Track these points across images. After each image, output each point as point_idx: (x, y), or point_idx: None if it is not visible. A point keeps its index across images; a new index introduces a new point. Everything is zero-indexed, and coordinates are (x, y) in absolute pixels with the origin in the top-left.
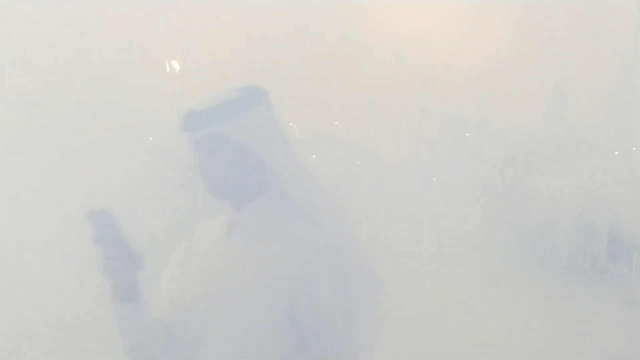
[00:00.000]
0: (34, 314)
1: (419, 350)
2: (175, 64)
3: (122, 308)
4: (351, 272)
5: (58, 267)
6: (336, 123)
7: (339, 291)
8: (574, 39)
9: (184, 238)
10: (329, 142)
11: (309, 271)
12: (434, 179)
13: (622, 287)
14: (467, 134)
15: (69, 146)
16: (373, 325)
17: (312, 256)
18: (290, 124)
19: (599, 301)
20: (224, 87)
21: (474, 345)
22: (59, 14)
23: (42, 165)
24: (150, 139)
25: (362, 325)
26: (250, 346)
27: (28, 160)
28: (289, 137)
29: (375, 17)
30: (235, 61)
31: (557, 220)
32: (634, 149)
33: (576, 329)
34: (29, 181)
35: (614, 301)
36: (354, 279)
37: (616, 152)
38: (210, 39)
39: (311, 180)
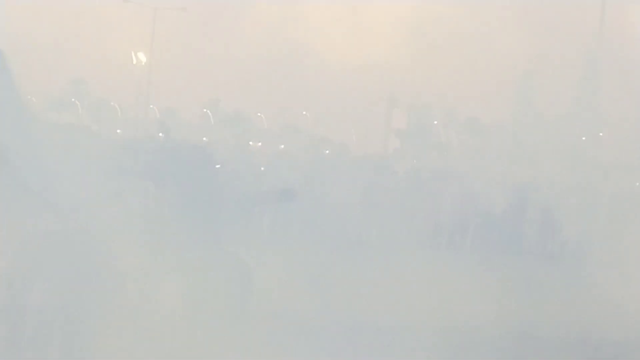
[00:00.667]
0: None
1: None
2: (142, 57)
3: None
4: None
5: None
6: (304, 113)
7: None
8: (541, 25)
9: None
10: (297, 132)
11: None
12: (403, 168)
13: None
14: (435, 122)
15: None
16: None
17: None
18: (259, 114)
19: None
20: (191, 80)
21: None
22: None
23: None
24: (118, 131)
25: None
26: None
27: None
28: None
29: (342, 7)
30: (202, 53)
31: (525, 207)
32: (600, 134)
33: None
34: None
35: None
36: None
37: (583, 138)
38: (177, 32)
39: None
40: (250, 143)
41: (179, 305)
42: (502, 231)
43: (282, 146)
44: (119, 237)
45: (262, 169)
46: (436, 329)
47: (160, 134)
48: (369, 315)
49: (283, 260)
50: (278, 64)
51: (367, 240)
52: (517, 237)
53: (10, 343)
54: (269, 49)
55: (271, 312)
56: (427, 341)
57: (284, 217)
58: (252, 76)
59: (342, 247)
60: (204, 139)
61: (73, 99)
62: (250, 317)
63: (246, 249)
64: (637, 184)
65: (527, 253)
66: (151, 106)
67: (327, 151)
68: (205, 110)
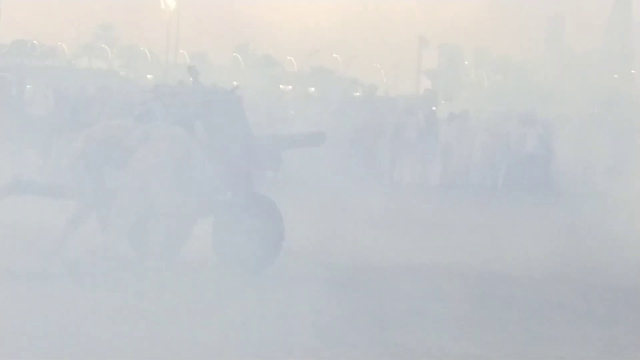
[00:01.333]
0: None
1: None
2: (171, 2)
3: None
4: None
5: None
6: (335, 55)
7: None
8: None
9: None
10: (328, 74)
11: None
12: (433, 107)
13: None
14: (466, 62)
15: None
16: None
17: None
18: (289, 57)
19: None
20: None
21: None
22: None
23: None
24: (149, 76)
25: None
26: None
27: None
28: None
29: None
30: None
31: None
32: (633, 71)
33: None
34: None
35: None
36: None
37: (616, 76)
38: None
39: None
40: (281, 86)
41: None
42: (532, 170)
43: (313, 89)
44: (151, 180)
45: (292, 112)
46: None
47: (190, 79)
48: (403, 255)
49: (312, 201)
50: (307, 6)
51: (397, 181)
52: (547, 175)
53: None
54: None
55: (302, 252)
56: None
57: (312, 160)
58: (282, 19)
59: (371, 188)
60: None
61: (103, 45)
62: (281, 259)
63: (276, 192)
64: None
65: (557, 192)
66: (181, 51)
67: (357, 93)
68: (235, 54)
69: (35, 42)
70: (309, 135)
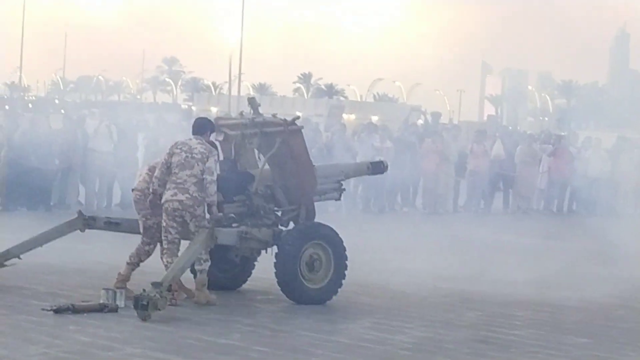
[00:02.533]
0: None
1: None
2: (233, 34)
3: None
4: None
5: None
6: (397, 84)
7: None
8: None
9: None
10: (391, 102)
11: None
12: (497, 133)
13: None
14: (530, 87)
15: None
16: None
17: None
18: (351, 86)
19: None
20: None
21: None
22: None
23: None
24: (213, 109)
25: None
26: None
27: None
28: None
29: None
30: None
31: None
32: None
33: None
34: None
35: None
36: None
37: None
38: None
39: None
40: (344, 115)
41: None
42: (597, 193)
43: (376, 117)
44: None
45: (356, 138)
46: None
47: (250, 110)
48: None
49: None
50: (369, 35)
51: (461, 209)
52: (611, 201)
53: None
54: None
55: (366, 282)
56: None
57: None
58: (344, 49)
59: (434, 219)
60: (297, 113)
61: (167, 79)
62: (346, 289)
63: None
64: None
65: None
66: (244, 82)
67: (421, 120)
68: (298, 84)
69: (100, 77)
70: (371, 164)
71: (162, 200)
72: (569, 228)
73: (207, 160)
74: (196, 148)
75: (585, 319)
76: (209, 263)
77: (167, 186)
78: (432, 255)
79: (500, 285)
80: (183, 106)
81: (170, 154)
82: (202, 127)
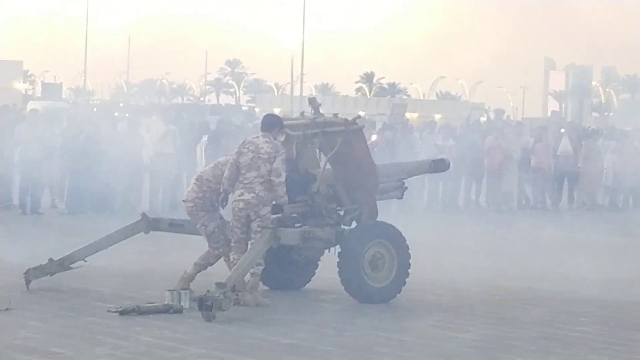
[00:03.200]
0: None
1: None
2: (295, 35)
3: None
4: None
5: None
6: (460, 81)
7: None
8: None
9: None
10: (454, 100)
11: None
12: (562, 130)
13: None
14: (594, 82)
15: None
16: None
17: None
18: (414, 85)
19: None
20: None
21: None
22: None
23: None
24: (276, 110)
25: None
26: None
27: None
28: None
29: None
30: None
31: None
32: None
33: None
34: None
35: None
36: None
37: None
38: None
39: None
40: (407, 114)
41: None
42: None
43: (439, 115)
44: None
45: (419, 140)
46: None
47: (312, 110)
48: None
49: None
50: (431, 34)
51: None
52: None
53: None
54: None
55: (429, 281)
56: None
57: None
58: (406, 47)
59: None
60: (360, 112)
61: (230, 81)
62: (410, 287)
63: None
64: None
65: None
66: (306, 83)
67: (484, 118)
68: (360, 84)
69: (164, 80)
70: (433, 162)
71: (231, 200)
72: (635, 225)
73: (275, 161)
74: (263, 147)
75: None
76: (262, 267)
77: (236, 186)
78: (497, 253)
79: (566, 283)
80: (244, 108)
81: (239, 153)
82: (271, 124)
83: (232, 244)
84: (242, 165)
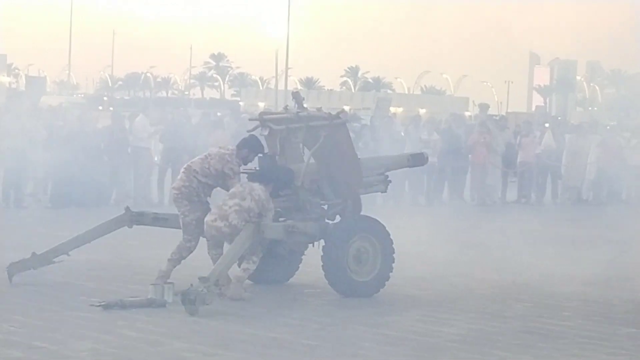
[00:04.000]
0: None
1: None
2: (280, 29)
3: None
4: None
5: None
6: (445, 76)
7: None
8: None
9: None
10: (439, 95)
11: None
12: (546, 124)
13: None
14: (578, 77)
15: None
16: None
17: None
18: (399, 79)
19: None
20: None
21: None
22: None
23: None
24: (260, 104)
25: None
26: None
27: None
28: None
29: None
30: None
31: None
32: None
33: None
34: None
35: None
36: None
37: None
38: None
39: None
40: (391, 108)
41: None
42: None
43: (423, 110)
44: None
45: (402, 134)
46: None
47: (295, 105)
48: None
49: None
50: (416, 28)
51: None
52: None
53: None
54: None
55: (417, 275)
56: None
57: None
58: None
59: (481, 210)
60: (345, 106)
61: (215, 75)
62: (393, 281)
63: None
64: None
65: None
66: (291, 77)
67: (468, 112)
68: (345, 78)
69: (148, 74)
70: (411, 156)
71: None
72: (619, 218)
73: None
74: (254, 189)
75: (635, 310)
76: (255, 266)
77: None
78: (480, 247)
79: (550, 277)
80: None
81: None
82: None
83: (207, 242)
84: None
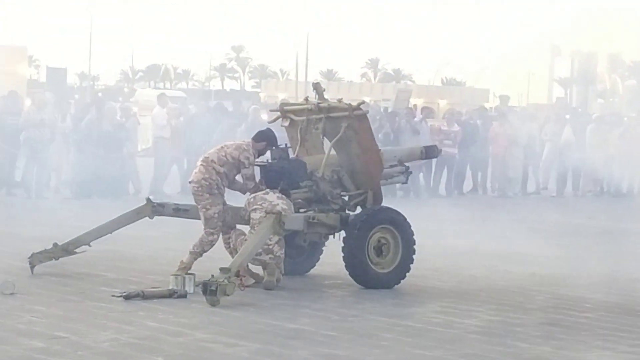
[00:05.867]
0: None
1: None
2: (300, 21)
3: None
4: None
5: None
6: (465, 67)
7: None
8: None
9: None
10: (460, 86)
11: None
12: (567, 116)
13: None
14: (599, 69)
15: None
16: None
17: None
18: (419, 71)
19: None
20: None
21: None
22: None
23: None
24: (280, 95)
25: None
26: None
27: None
28: None
29: None
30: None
31: None
32: None
33: None
34: None
35: None
36: None
37: None
38: None
39: None
40: (411, 100)
41: None
42: None
43: (444, 101)
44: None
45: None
46: None
47: (315, 95)
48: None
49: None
50: (436, 19)
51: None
52: None
53: None
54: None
55: (435, 267)
56: None
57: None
58: (412, 33)
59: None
60: (365, 98)
61: (235, 66)
62: (414, 272)
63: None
64: None
65: None
66: (312, 69)
67: (488, 104)
68: (365, 70)
69: (169, 66)
70: (424, 148)
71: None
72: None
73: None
74: (278, 205)
75: None
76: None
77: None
78: (501, 238)
79: (571, 269)
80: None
81: (253, 210)
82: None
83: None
84: (255, 221)
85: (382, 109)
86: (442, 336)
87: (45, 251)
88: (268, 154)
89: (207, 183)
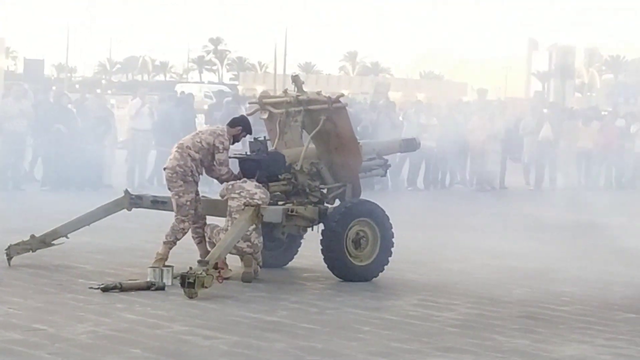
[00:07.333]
0: None
1: None
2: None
3: None
4: None
5: None
6: (443, 61)
7: None
8: None
9: None
10: (439, 81)
11: None
12: (545, 110)
13: None
14: (577, 63)
15: None
16: None
17: None
18: (397, 64)
19: None
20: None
21: None
22: None
23: None
24: (258, 88)
25: None
26: None
27: None
28: None
29: None
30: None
31: None
32: None
33: None
34: None
35: None
36: None
37: None
38: None
39: None
40: (390, 93)
41: None
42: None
43: (422, 95)
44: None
45: (400, 118)
46: None
47: (295, 88)
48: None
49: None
50: (415, 13)
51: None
52: None
53: None
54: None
55: (414, 259)
56: None
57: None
58: (390, 27)
59: (484, 196)
60: (342, 91)
61: (213, 59)
62: (392, 266)
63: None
64: None
65: None
66: (290, 62)
67: (465, 98)
68: (343, 63)
69: (146, 58)
70: (403, 141)
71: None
72: (616, 204)
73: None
74: (256, 194)
75: (634, 295)
76: (257, 247)
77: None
78: (479, 232)
79: (549, 262)
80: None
81: (230, 198)
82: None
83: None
84: (233, 209)
85: (369, 102)
86: (420, 329)
87: (23, 243)
88: (247, 147)
89: (182, 170)
